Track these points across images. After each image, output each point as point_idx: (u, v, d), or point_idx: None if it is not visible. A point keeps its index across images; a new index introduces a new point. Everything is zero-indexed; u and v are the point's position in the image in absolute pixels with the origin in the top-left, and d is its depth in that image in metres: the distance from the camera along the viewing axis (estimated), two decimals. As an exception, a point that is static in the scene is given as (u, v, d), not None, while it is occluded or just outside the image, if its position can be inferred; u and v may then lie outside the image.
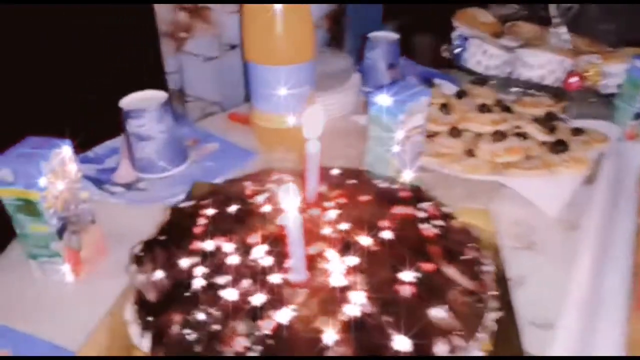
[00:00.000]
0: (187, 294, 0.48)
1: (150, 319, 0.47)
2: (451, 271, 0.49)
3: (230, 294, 0.47)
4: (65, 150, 0.63)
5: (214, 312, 0.46)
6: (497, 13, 1.25)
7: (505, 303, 0.61)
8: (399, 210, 0.57)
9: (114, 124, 0.93)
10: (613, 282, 0.64)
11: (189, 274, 0.50)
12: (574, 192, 0.78)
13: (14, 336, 0.61)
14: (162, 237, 0.56)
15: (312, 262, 0.49)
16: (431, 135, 0.86)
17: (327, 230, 0.54)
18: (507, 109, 0.92)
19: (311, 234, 0.53)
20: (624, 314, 0.60)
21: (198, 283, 0.49)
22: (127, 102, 0.87)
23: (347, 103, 1.06)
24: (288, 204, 0.44)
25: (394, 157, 0.76)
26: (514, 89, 1.01)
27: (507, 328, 0.58)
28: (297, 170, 0.68)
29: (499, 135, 0.82)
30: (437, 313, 0.45)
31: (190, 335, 0.44)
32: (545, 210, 0.75)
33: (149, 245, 0.56)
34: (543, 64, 0.97)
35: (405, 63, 1.15)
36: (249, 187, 0.63)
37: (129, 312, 0.51)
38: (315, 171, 0.56)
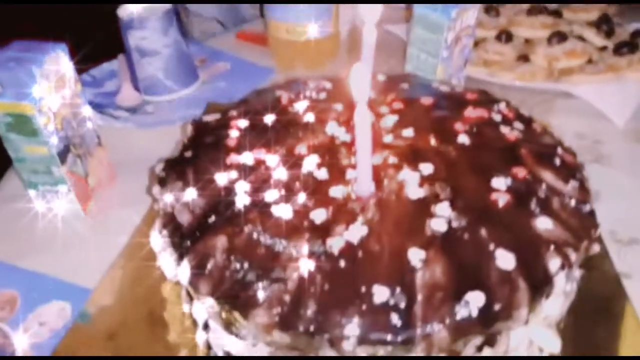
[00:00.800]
0: (229, 214, 0.39)
1: (187, 243, 0.38)
2: (548, 176, 0.41)
3: (284, 211, 0.38)
4: (61, 55, 0.52)
5: (267, 232, 0.37)
6: None
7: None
8: (471, 112, 0.47)
9: (109, 43, 0.82)
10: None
11: (228, 192, 0.41)
12: (641, 99, 0.69)
13: (21, 276, 0.52)
14: (189, 154, 0.47)
15: (378, 173, 0.40)
16: (477, 42, 0.76)
17: (388, 138, 0.45)
18: (556, 13, 0.81)
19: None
20: None
21: (241, 201, 0.40)
22: (127, 13, 0.75)
23: (375, 11, 0.94)
24: (358, 90, 0.35)
25: (442, 64, 0.66)
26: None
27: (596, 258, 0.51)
28: (335, 76, 0.58)
29: (558, 37, 0.71)
30: (544, 224, 0.37)
31: (240, 261, 0.36)
32: (613, 119, 0.66)
33: (174, 163, 0.46)
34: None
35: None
36: (284, 95, 0.53)
37: (157, 240, 0.42)
38: (370, 62, 0.46)
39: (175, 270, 0.39)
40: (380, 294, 0.33)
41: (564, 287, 0.36)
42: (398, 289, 0.33)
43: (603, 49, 0.75)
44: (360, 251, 0.35)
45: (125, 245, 0.52)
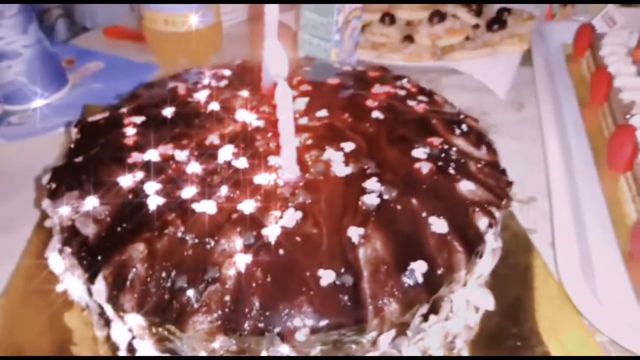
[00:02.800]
0: (142, 218, 0.35)
1: (99, 258, 0.33)
2: (461, 142, 0.42)
3: (207, 207, 0.35)
4: None
5: (192, 232, 0.33)
6: None
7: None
8: (378, 89, 0.47)
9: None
10: (578, 147, 0.63)
11: (136, 194, 0.37)
12: (517, 68, 0.75)
13: None
14: (80, 159, 0.41)
15: (301, 155, 0.39)
16: (363, 26, 0.77)
17: (303, 120, 0.43)
18: (429, -4, 0.86)
19: (286, 125, 0.41)
20: (595, 173, 0.59)
21: (154, 202, 0.36)
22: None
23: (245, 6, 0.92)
24: (276, 66, 0.32)
25: (334, 48, 0.65)
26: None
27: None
28: (231, 63, 0.55)
29: (438, 17, 0.75)
30: (467, 186, 0.38)
31: (166, 268, 0.32)
32: (496, 90, 0.72)
33: (64, 172, 0.40)
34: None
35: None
36: (180, 86, 0.49)
37: (57, 261, 0.36)
38: (276, 37, 0.44)
39: (87, 291, 0.34)
40: (326, 277, 0.31)
41: (493, 245, 0.38)
42: (343, 269, 0.31)
43: (476, 26, 0.80)
44: (298, 236, 0.33)
45: (11, 274, 0.44)
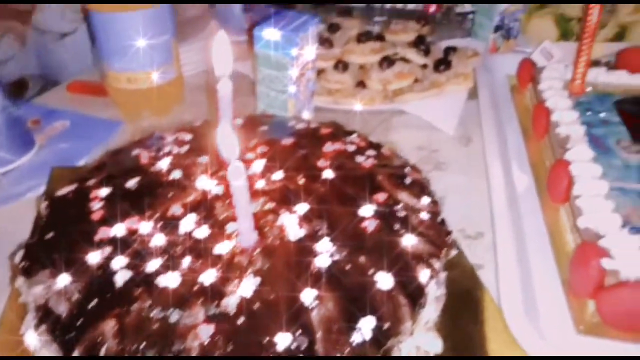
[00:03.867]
0: (111, 294, 0.38)
1: (72, 335, 0.36)
2: (404, 196, 0.46)
3: (170, 280, 0.38)
4: None
5: (157, 306, 0.36)
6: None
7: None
8: (329, 147, 0.51)
9: None
10: (521, 180, 0.67)
11: (104, 270, 0.39)
12: (463, 107, 0.80)
13: None
14: (50, 235, 0.44)
15: (258, 221, 0.42)
16: (318, 73, 0.81)
17: (260, 184, 0.47)
18: (379, 38, 0.91)
19: (244, 191, 0.45)
20: (538, 207, 0.63)
21: (122, 278, 0.38)
22: None
23: (206, 56, 0.95)
24: (228, 150, 0.36)
25: (291, 99, 0.69)
26: (377, 18, 1.00)
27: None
28: (192, 124, 0.58)
29: (387, 62, 0.80)
30: (409, 240, 0.41)
31: (136, 342, 0.35)
32: (443, 128, 0.76)
33: (36, 249, 0.43)
34: (405, -11, 0.97)
35: (258, 5, 1.07)
36: (143, 154, 0.52)
37: (33, 338, 0.38)
38: (230, 115, 0.47)
39: (61, 366, 0.37)
40: (283, 340, 0.34)
41: (436, 293, 0.41)
42: (298, 332, 0.35)
43: (424, 66, 0.85)
44: (257, 303, 0.36)
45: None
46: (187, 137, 0.54)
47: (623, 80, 0.79)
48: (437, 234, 0.43)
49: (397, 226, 0.42)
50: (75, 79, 0.95)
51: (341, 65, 0.81)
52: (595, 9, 0.72)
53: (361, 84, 0.80)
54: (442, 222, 0.46)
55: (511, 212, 0.61)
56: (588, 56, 0.75)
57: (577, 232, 0.55)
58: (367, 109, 0.78)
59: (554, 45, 0.85)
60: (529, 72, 0.84)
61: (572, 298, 0.51)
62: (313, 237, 0.41)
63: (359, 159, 0.50)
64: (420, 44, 0.89)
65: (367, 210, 0.43)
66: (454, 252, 0.44)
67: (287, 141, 0.52)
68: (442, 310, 0.46)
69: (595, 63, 0.84)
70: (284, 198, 0.44)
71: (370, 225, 0.42)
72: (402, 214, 0.44)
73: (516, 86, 0.87)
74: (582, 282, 0.50)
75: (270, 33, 0.65)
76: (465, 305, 0.50)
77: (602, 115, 0.72)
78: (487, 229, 0.62)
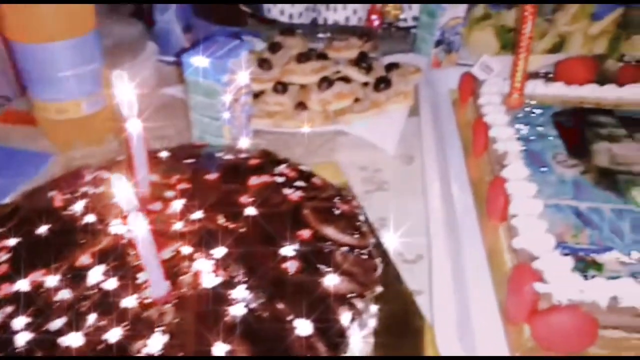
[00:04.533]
0: (10, 356, 0.35)
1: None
2: (330, 232, 0.44)
3: (73, 340, 0.35)
4: None
5: (57, 371, 0.34)
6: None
7: (379, 247, 0.60)
8: (255, 180, 0.49)
9: None
10: (461, 199, 0.67)
11: (5, 330, 0.36)
12: (404, 125, 0.79)
13: None
14: (-53, 293, 0.40)
15: (171, 268, 0.40)
16: (256, 95, 0.79)
17: (178, 226, 0.44)
18: (322, 56, 0.90)
19: (160, 235, 0.43)
20: (477, 227, 0.63)
21: (23, 339, 0.36)
22: None
23: (148, 77, 0.92)
24: (125, 202, 0.34)
25: (226, 125, 0.67)
26: (321, 35, 0.99)
27: (386, 273, 0.57)
28: (114, 161, 0.56)
29: (326, 83, 0.79)
30: (332, 280, 0.40)
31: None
32: (384, 148, 0.75)
33: None
34: (346, 5, 0.96)
35: (199, 24, 1.05)
36: (58, 196, 0.49)
37: None
38: (143, 156, 0.45)
39: None
40: (191, 402, 0.32)
41: (360, 334, 0.40)
42: (208, 392, 0.33)
43: (366, 84, 0.84)
44: (164, 363, 0.34)
45: None
46: (106, 175, 0.52)
47: (561, 92, 0.80)
48: (363, 270, 0.42)
49: (319, 265, 0.41)
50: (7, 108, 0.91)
51: (280, 87, 0.79)
52: (529, 20, 0.72)
53: (301, 105, 0.78)
54: (370, 255, 0.44)
55: (449, 232, 0.60)
56: (524, 68, 0.76)
57: (513, 253, 0.55)
58: (310, 130, 0.76)
59: (492, 59, 0.86)
60: (469, 87, 0.84)
61: (508, 322, 0.51)
62: (229, 284, 0.39)
63: (287, 191, 0.49)
64: (362, 61, 0.89)
65: (288, 250, 0.41)
66: (378, 289, 0.42)
67: (212, 176, 0.50)
68: (377, 344, 0.45)
69: (534, 75, 0.85)
70: (202, 241, 0.42)
71: (291, 266, 0.40)
72: (326, 251, 0.42)
73: (458, 101, 0.87)
74: (516, 306, 0.49)
75: (198, 60, 0.63)
76: (402, 335, 0.49)
77: (540, 129, 0.73)
78: (427, 251, 0.61)
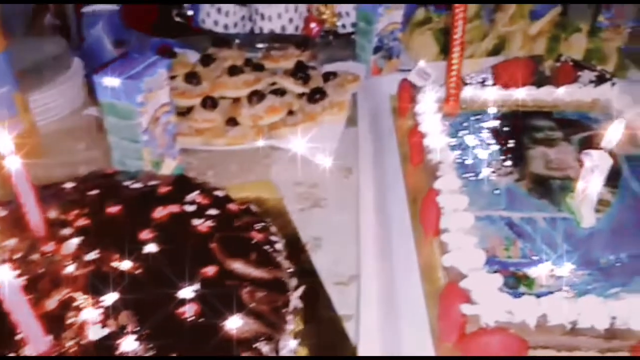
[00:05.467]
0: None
1: None
2: (238, 266, 0.41)
3: None
4: None
5: None
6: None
7: (307, 272, 0.57)
8: (161, 212, 0.46)
9: None
10: (396, 213, 0.64)
11: None
12: (340, 137, 0.77)
13: None
14: None
15: (55, 319, 0.36)
16: (184, 112, 0.76)
17: (70, 269, 0.40)
18: (258, 67, 0.87)
19: (48, 281, 0.39)
20: (412, 240, 0.60)
21: None
22: None
23: (71, 97, 0.87)
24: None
25: (146, 147, 0.63)
26: (259, 45, 0.96)
27: (315, 300, 0.54)
28: (10, 199, 0.51)
29: (257, 97, 0.75)
30: (235, 323, 0.37)
31: None
32: (320, 162, 0.73)
33: None
34: (281, 13, 0.94)
35: (132, 37, 1.00)
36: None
37: None
38: (29, 194, 0.41)
39: None
40: None
41: (267, 380, 0.37)
42: None
43: (303, 95, 0.82)
44: None
45: None
46: (2, 213, 0.47)
47: (498, 96, 0.79)
48: (273, 308, 0.39)
49: (221, 307, 0.37)
50: None
51: (210, 102, 0.76)
52: (459, 23, 0.70)
53: (232, 121, 0.75)
54: (283, 289, 0.41)
55: (383, 249, 0.58)
56: (458, 74, 0.74)
57: (445, 270, 0.53)
58: (242, 147, 0.73)
59: (429, 65, 0.84)
60: (408, 94, 0.82)
61: (439, 344, 0.48)
62: (118, 335, 0.35)
63: (196, 222, 0.45)
64: (299, 71, 0.86)
65: (187, 291, 0.38)
66: (290, 327, 0.39)
67: (114, 208, 0.46)
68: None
69: (472, 79, 0.83)
70: (92, 286, 0.38)
71: (189, 310, 0.37)
72: (231, 288, 0.39)
73: (398, 109, 0.85)
74: (445, 328, 0.47)
75: (109, 80, 0.59)
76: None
77: (475, 136, 0.71)
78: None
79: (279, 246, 0.45)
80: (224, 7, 0.95)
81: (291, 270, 0.45)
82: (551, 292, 0.47)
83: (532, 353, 0.45)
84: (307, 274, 0.57)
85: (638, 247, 0.52)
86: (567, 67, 0.82)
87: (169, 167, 0.68)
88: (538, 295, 0.46)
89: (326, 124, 0.76)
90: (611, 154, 0.66)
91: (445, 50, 0.99)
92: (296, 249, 0.59)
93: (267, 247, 0.44)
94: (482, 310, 0.45)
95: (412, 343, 0.48)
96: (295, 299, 0.50)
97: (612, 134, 0.52)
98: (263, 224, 0.47)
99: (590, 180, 0.53)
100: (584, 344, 0.44)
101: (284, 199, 0.67)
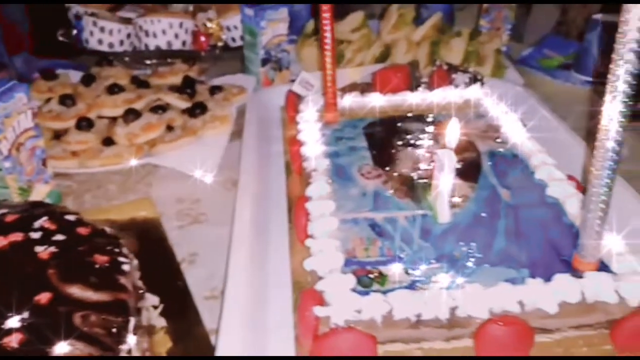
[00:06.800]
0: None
1: None
2: (75, 291, 0.41)
3: None
4: None
5: None
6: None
7: (177, 289, 0.57)
8: (1, 242, 0.44)
9: None
10: (275, 222, 0.65)
11: None
12: (223, 150, 0.77)
13: None
14: None
15: None
16: (59, 135, 0.74)
17: None
18: (144, 84, 0.86)
19: None
20: (287, 247, 0.61)
21: None
22: None
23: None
24: None
25: (9, 175, 0.61)
26: (148, 62, 0.95)
27: (182, 316, 0.54)
28: None
29: (132, 115, 0.74)
30: (62, 348, 0.36)
31: None
32: (201, 177, 0.73)
33: None
34: (165, 30, 0.93)
35: (19, 59, 0.97)
36: None
37: None
38: None
39: None
40: None
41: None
42: None
43: (186, 111, 0.81)
44: None
45: None
46: None
47: (376, 102, 0.82)
48: (107, 331, 0.39)
49: (49, 333, 0.37)
50: None
51: (85, 124, 0.74)
52: (327, 31, 0.72)
53: (109, 141, 0.74)
54: (121, 309, 0.41)
55: (256, 258, 0.58)
56: (333, 81, 0.76)
57: (307, 274, 0.54)
58: (120, 167, 0.72)
59: (312, 75, 0.86)
60: (294, 104, 0.84)
61: (299, 347, 0.49)
62: None
63: (39, 249, 0.44)
64: (187, 86, 0.86)
65: (14, 321, 0.37)
66: (125, 348, 0.39)
67: (-50, 241, 0.45)
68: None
69: (353, 87, 0.86)
70: None
71: (13, 340, 0.36)
72: (63, 314, 0.38)
73: (285, 119, 0.86)
74: (301, 331, 0.48)
75: (-41, 108, 0.57)
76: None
77: (351, 142, 0.74)
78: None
79: (126, 267, 0.45)
80: (107, 25, 0.94)
81: (142, 290, 0.45)
82: (402, 288, 0.49)
83: (381, 348, 0.46)
84: (178, 291, 0.57)
85: (489, 238, 0.56)
86: (441, 71, 0.86)
87: (40, 193, 0.66)
88: (384, 292, 0.48)
89: (208, 138, 0.76)
90: (474, 150, 0.71)
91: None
92: (168, 266, 0.60)
93: (111, 269, 0.44)
94: (333, 311, 0.46)
95: (277, 348, 0.49)
96: (157, 317, 0.50)
97: (450, 133, 0.55)
98: (111, 246, 0.47)
99: (440, 178, 0.57)
100: (429, 334, 0.47)
101: (161, 216, 0.67)
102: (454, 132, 0.55)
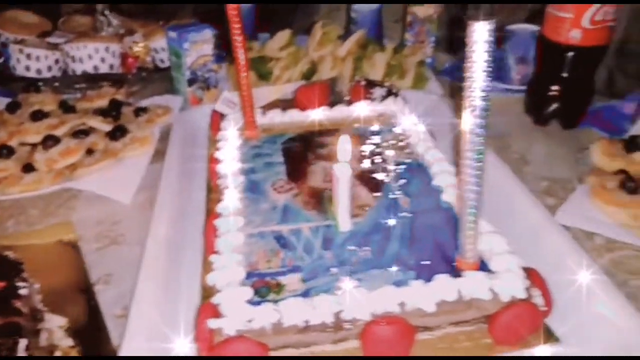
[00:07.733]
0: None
1: None
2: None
3: None
4: None
5: None
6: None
7: (90, 310, 0.59)
8: None
9: None
10: (191, 240, 0.68)
11: None
12: (144, 172, 0.79)
13: None
14: None
15: None
16: (-21, 163, 0.75)
17: None
18: (70, 109, 0.87)
19: None
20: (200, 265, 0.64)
21: None
22: None
23: None
24: None
25: None
26: (77, 86, 0.97)
27: (94, 334, 0.56)
28: None
29: (51, 141, 0.76)
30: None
31: None
32: (119, 199, 0.75)
33: None
34: (91, 54, 0.95)
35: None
36: None
37: None
38: None
39: None
40: None
41: None
42: None
43: (108, 133, 0.83)
44: None
45: None
46: None
47: (295, 118, 0.86)
48: (-8, 352, 0.41)
49: None
50: None
51: (5, 151, 0.75)
52: (238, 49, 0.75)
53: (29, 167, 0.75)
54: (13, 332, 0.43)
55: (168, 276, 0.61)
56: (249, 98, 0.79)
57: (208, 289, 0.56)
58: (40, 192, 0.73)
59: (234, 94, 0.89)
60: (218, 123, 0.87)
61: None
62: None
63: None
64: (112, 109, 0.88)
65: None
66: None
67: None
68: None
69: (274, 104, 0.89)
70: None
71: None
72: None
73: (211, 138, 0.89)
74: (199, 343, 0.50)
75: None
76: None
77: (268, 158, 0.76)
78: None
79: (23, 292, 0.47)
80: (34, 52, 0.95)
81: (42, 312, 0.47)
82: (297, 296, 0.52)
83: (273, 354, 0.49)
84: (90, 311, 0.59)
85: (383, 244, 0.60)
86: (358, 86, 0.90)
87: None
88: (277, 301, 0.51)
89: (129, 160, 0.78)
90: (382, 161, 0.75)
91: (263, 77, 1.05)
92: (81, 288, 0.61)
93: (6, 294, 0.46)
94: (226, 322, 0.49)
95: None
96: (60, 338, 0.52)
97: (342, 148, 0.59)
98: (12, 271, 0.48)
99: (338, 189, 0.60)
100: (317, 338, 0.50)
101: (81, 239, 0.69)
102: (345, 146, 0.59)
